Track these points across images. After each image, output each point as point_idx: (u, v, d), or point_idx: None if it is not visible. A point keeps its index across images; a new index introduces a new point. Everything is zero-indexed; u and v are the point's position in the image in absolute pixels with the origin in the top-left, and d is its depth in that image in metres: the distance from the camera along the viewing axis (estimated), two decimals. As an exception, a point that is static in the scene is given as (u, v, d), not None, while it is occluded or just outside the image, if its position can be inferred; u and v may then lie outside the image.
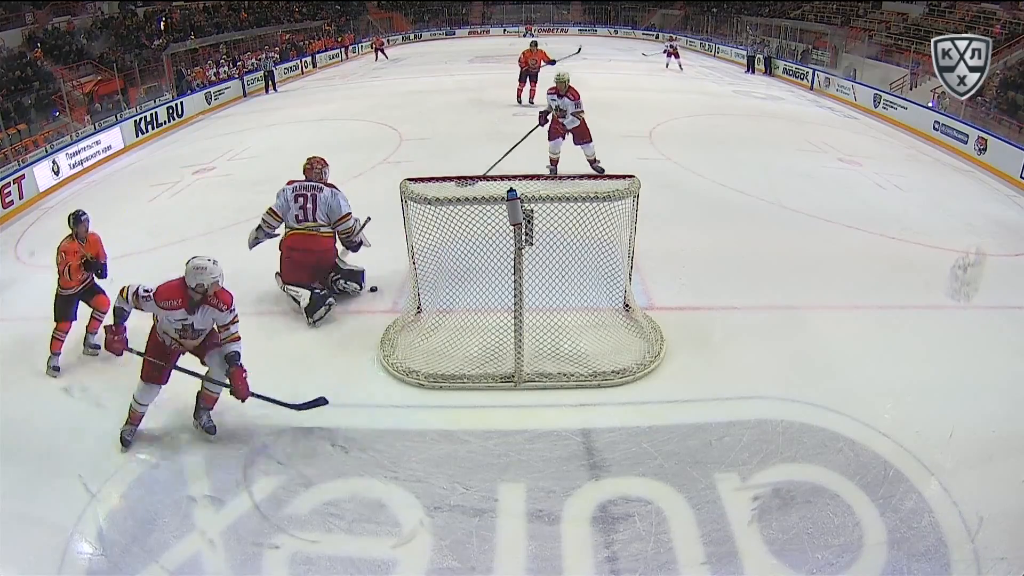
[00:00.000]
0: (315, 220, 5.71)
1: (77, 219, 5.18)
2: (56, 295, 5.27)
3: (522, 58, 13.93)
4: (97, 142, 12.45)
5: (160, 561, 3.42)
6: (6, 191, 9.48)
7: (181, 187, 9.60)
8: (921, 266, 6.63)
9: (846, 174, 10.02)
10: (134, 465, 4.08)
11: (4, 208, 9.35)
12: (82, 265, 5.21)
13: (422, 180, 4.91)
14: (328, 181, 5.91)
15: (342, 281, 5.85)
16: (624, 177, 4.86)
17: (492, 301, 4.96)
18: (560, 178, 4.91)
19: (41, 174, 10.52)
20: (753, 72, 21.53)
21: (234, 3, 27.07)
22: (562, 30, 36.66)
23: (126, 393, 4.76)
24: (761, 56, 21.82)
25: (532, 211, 4.76)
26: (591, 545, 3.49)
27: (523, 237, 4.48)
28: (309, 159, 5.90)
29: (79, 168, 11.57)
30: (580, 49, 14.99)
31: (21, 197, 9.78)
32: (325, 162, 5.93)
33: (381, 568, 3.38)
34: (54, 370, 5.19)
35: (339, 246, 6.01)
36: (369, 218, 6.02)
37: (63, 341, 5.28)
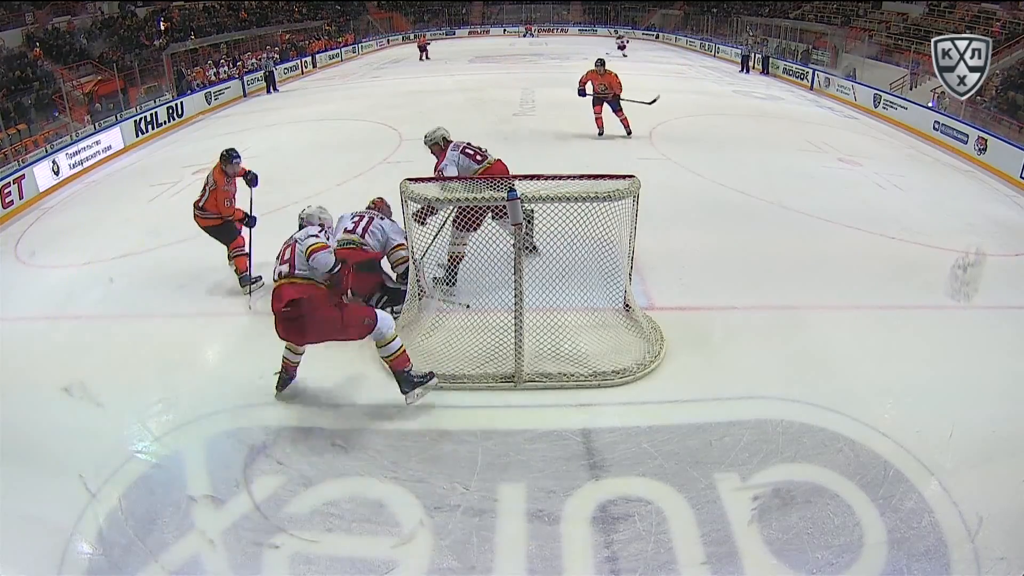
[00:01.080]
0: (362, 238, 5.49)
1: (231, 158, 5.81)
2: (222, 223, 5.87)
3: (588, 80, 11.08)
4: (97, 142, 12.44)
5: (160, 561, 3.41)
6: (6, 191, 9.48)
7: (181, 187, 9.58)
8: (921, 266, 6.63)
9: (846, 174, 10.01)
10: (134, 465, 4.08)
11: (4, 208, 9.35)
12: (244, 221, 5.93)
13: (422, 180, 4.91)
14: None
15: (389, 305, 5.50)
16: (624, 177, 4.85)
17: (492, 301, 4.96)
18: (560, 178, 4.90)
19: (41, 174, 10.52)
20: (748, 72, 21.49)
21: (234, 3, 27.08)
22: (562, 30, 36.71)
23: (126, 393, 4.78)
24: (758, 56, 21.80)
25: (532, 211, 4.75)
26: (591, 545, 3.49)
27: (523, 238, 4.47)
28: (374, 200, 5.95)
29: (79, 168, 11.57)
30: (656, 100, 11.87)
31: (21, 197, 9.78)
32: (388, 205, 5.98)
33: (381, 568, 3.37)
34: (257, 281, 5.76)
35: (392, 273, 5.81)
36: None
37: (247, 254, 5.91)
